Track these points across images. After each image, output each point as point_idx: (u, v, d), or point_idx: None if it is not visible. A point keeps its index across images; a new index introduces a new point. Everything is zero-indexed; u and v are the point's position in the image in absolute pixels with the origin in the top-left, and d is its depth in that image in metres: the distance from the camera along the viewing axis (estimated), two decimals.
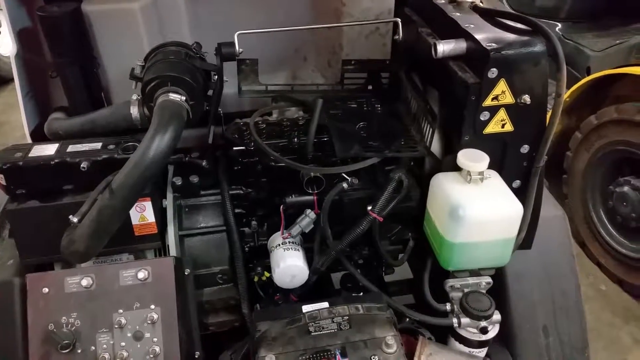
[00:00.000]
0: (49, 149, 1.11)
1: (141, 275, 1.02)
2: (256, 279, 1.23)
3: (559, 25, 2.89)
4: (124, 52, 1.35)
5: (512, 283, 1.22)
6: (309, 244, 1.20)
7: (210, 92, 1.22)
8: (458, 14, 1.10)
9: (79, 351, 0.99)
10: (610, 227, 2.47)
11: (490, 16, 1.07)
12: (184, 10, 1.42)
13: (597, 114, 2.39)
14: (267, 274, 1.22)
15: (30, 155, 1.08)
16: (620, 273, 2.42)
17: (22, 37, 1.34)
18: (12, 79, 4.78)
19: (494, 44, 0.95)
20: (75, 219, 0.95)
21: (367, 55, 1.47)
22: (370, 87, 1.37)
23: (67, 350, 0.98)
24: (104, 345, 0.99)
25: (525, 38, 0.97)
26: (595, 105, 2.47)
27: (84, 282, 1.01)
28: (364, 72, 1.37)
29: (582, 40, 2.72)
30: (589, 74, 2.56)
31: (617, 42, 2.48)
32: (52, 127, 1.25)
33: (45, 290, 1.01)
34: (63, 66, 1.32)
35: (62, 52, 1.30)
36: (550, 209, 1.30)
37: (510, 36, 0.98)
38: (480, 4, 1.14)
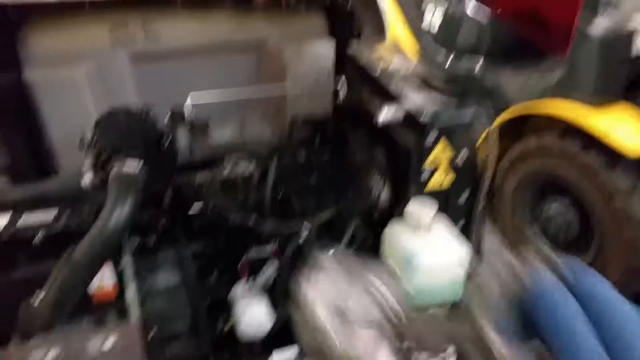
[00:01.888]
0: (1, 221, 1.09)
1: (108, 343, 1.01)
2: (220, 331, 1.24)
3: (479, 62, 3.10)
4: (70, 118, 1.32)
5: None
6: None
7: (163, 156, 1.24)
8: (395, 79, 1.20)
9: None
10: (542, 246, 2.67)
11: (424, 83, 1.18)
12: (130, 74, 1.42)
13: (519, 143, 2.61)
14: (231, 325, 1.24)
15: None
16: None
17: None
18: None
19: (431, 110, 1.05)
20: (38, 298, 0.94)
21: (310, 110, 1.54)
22: (317, 140, 1.45)
23: None
24: None
25: (458, 105, 1.09)
26: (517, 134, 2.70)
27: (49, 356, 0.99)
28: (311, 127, 1.44)
29: (502, 75, 2.94)
30: (507, 107, 2.78)
31: (533, 79, 2.71)
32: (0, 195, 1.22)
33: None
34: (7, 131, 1.30)
35: (6, 120, 1.28)
36: (490, 241, 1.42)
37: (446, 102, 1.09)
38: (416, 69, 1.25)
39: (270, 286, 1.20)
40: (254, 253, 1.21)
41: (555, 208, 2.53)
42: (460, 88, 1.14)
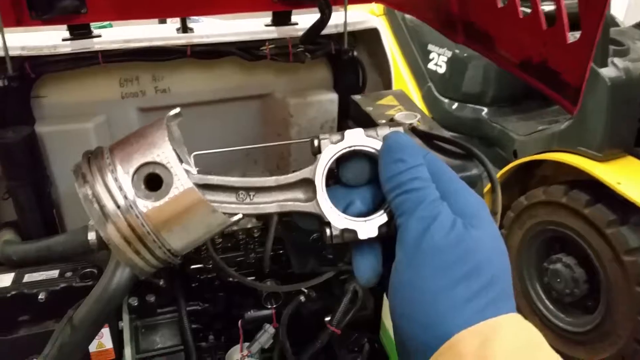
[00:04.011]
0: (5, 280, 1.09)
1: None
2: None
3: (485, 109, 3.12)
4: None
5: None
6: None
7: None
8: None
9: None
10: (547, 302, 2.60)
11: (427, 139, 1.18)
12: (138, 127, 1.46)
13: (526, 195, 2.58)
14: None
15: None
16: (560, 346, 2.53)
17: None
18: None
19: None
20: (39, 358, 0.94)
21: (313, 160, 1.55)
22: None
23: None
24: None
25: (462, 162, 1.07)
26: (524, 185, 2.67)
27: None
28: None
29: (508, 124, 2.95)
30: (515, 156, 2.77)
31: (540, 128, 2.71)
32: (5, 251, 1.22)
33: None
34: (15, 188, 1.32)
35: (15, 175, 1.30)
36: None
37: (448, 160, 1.07)
38: (418, 125, 1.25)
39: (267, 350, 1.19)
40: (251, 315, 1.20)
41: (562, 264, 2.46)
42: (465, 135, 1.13)
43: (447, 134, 1.17)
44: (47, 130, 1.35)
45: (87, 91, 1.35)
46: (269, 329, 1.17)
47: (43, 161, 1.37)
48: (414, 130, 1.25)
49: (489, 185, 1.08)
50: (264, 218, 1.35)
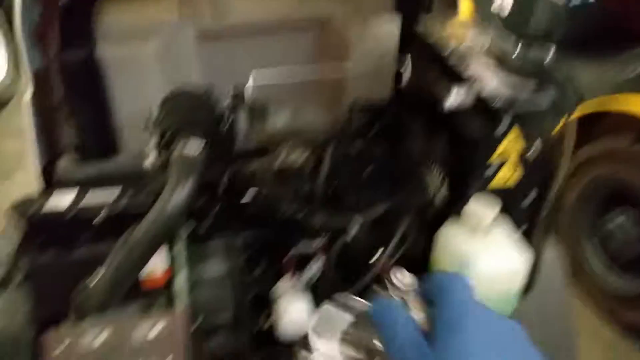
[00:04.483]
0: (65, 201, 1.12)
1: (155, 330, 1.03)
2: (261, 327, 1.24)
3: (552, 50, 2.92)
4: (136, 96, 1.37)
5: None
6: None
7: (222, 138, 1.24)
8: (466, 60, 1.12)
9: None
10: (600, 263, 2.49)
11: (499, 64, 1.09)
12: (195, 53, 1.44)
13: (587, 145, 2.43)
14: (271, 321, 1.23)
15: (47, 205, 1.09)
16: (613, 307, 2.44)
17: (37, 78, 1.35)
18: (2, 105, 4.73)
19: (505, 96, 0.97)
20: (95, 278, 0.97)
21: (370, 94, 1.51)
22: (375, 128, 1.41)
23: None
24: None
25: (536, 89, 0.99)
26: (586, 136, 2.51)
27: (100, 338, 1.02)
28: (370, 112, 1.40)
29: (575, 66, 2.76)
30: (580, 101, 2.60)
31: (609, 72, 2.53)
32: (67, 172, 1.26)
33: (62, 347, 1.02)
34: (77, 110, 1.34)
35: (76, 96, 1.32)
36: (547, 250, 1.34)
37: (521, 87, 1.00)
38: (488, 49, 1.16)
39: (315, 284, 1.18)
40: (301, 247, 1.19)
41: (620, 222, 2.33)
42: (529, 77, 1.05)
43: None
44: (108, 53, 1.35)
45: (147, 12, 1.34)
46: (319, 261, 1.17)
47: (103, 84, 1.38)
48: (482, 55, 1.14)
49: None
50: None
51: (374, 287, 0.89)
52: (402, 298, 0.57)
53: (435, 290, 0.56)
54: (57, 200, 1.11)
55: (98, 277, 0.97)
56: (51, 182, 1.33)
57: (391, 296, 0.58)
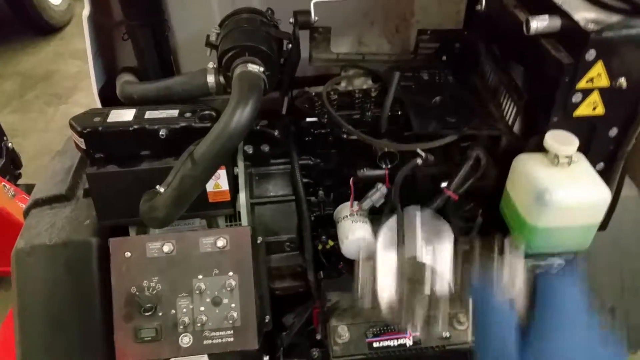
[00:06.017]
0: (127, 115, 1.11)
1: (220, 243, 1.04)
2: (320, 247, 1.24)
3: None
4: (194, 17, 1.35)
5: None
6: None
7: (283, 61, 1.21)
8: None
9: (160, 314, 1.03)
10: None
11: None
12: None
13: None
14: (331, 243, 1.23)
15: (108, 120, 1.09)
16: None
17: None
18: (61, 28, 4.81)
19: (593, 24, 0.89)
20: (161, 189, 0.97)
21: (439, 22, 1.42)
22: (444, 58, 1.33)
23: (149, 313, 1.01)
24: (184, 309, 1.03)
25: (626, 18, 0.91)
26: None
27: (165, 248, 1.04)
28: (439, 41, 1.32)
29: None
30: None
31: None
32: (126, 90, 1.25)
33: (128, 254, 1.04)
34: (135, 29, 1.33)
35: (134, 15, 1.30)
36: (624, 188, 1.27)
37: (610, 15, 0.92)
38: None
39: (377, 210, 1.15)
40: (364, 173, 1.16)
41: None
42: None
43: None
44: None
45: None
46: (382, 188, 1.13)
47: (162, 4, 1.35)
48: None
49: None
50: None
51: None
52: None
53: (546, 289, 0.54)
54: (116, 116, 1.10)
55: (162, 191, 0.97)
56: (109, 101, 1.32)
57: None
